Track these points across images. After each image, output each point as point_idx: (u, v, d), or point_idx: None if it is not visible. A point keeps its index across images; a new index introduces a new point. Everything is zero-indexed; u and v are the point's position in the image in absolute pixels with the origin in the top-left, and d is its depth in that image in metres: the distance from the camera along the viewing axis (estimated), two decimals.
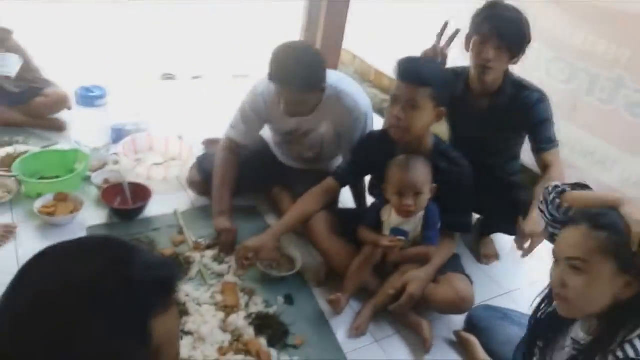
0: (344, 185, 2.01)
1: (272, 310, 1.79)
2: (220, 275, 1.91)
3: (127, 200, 2.17)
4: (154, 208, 2.20)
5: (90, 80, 2.76)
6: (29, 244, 1.92)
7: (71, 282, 0.62)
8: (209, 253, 2.00)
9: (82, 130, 2.58)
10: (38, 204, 2.03)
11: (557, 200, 1.28)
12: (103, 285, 0.61)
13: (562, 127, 2.04)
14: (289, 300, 1.86)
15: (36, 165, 2.24)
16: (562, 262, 1.13)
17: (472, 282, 1.83)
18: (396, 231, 1.80)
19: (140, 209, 2.16)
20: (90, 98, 2.46)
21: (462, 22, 1.98)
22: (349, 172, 1.98)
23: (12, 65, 2.41)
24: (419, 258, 1.80)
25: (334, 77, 2.04)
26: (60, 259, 0.66)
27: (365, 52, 3.92)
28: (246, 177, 2.20)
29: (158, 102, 3.05)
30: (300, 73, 1.83)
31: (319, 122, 2.06)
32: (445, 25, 2.02)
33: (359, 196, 2.25)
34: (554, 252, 1.17)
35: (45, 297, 0.61)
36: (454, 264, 1.88)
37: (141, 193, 2.19)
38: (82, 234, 2.00)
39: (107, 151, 2.51)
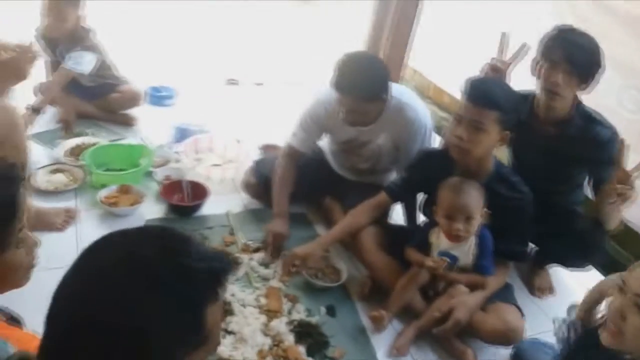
0: (396, 201, 1.99)
1: (314, 320, 1.79)
2: (265, 279, 1.94)
3: (185, 197, 2.25)
4: (209, 207, 2.27)
5: (160, 81, 2.89)
6: (90, 231, 2.02)
7: (133, 263, 0.66)
8: (257, 256, 2.03)
9: (149, 127, 2.70)
10: (102, 193, 2.15)
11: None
12: (162, 270, 0.65)
13: (631, 159, 1.93)
14: (331, 311, 1.85)
15: (104, 157, 2.36)
16: (630, 296, 1.09)
17: (522, 315, 1.75)
18: (444, 255, 1.76)
19: (197, 207, 2.23)
20: (159, 98, 2.58)
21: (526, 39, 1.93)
22: (402, 189, 1.96)
23: (86, 63, 2.57)
24: (471, 285, 1.75)
25: (397, 90, 2.05)
26: (123, 242, 0.71)
27: (425, 68, 3.88)
28: (300, 184, 2.22)
29: (221, 106, 3.15)
30: (363, 82, 1.84)
31: (378, 133, 2.06)
32: (504, 38, 1.99)
33: (410, 213, 2.22)
34: (623, 282, 1.12)
35: (107, 275, 0.65)
36: (505, 294, 1.81)
37: (199, 191, 2.27)
38: (141, 224, 2.08)
39: (170, 149, 2.61)
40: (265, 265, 2.00)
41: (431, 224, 1.84)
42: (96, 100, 2.75)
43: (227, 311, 1.74)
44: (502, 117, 1.64)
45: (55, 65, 2.63)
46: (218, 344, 0.77)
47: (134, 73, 2.90)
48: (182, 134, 2.71)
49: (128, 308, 0.63)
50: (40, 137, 2.55)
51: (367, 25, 3.00)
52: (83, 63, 2.57)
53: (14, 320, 1.25)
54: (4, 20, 3.01)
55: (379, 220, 1.99)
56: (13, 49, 1.64)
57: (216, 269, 0.71)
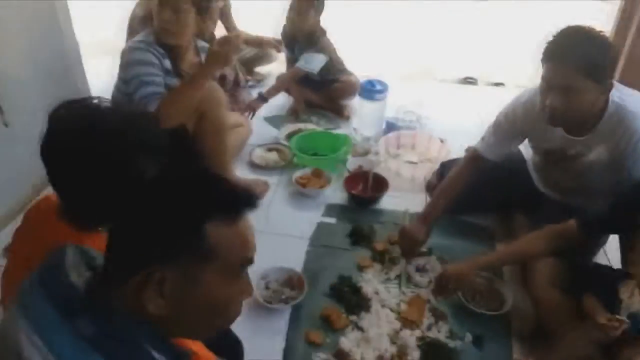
0: (586, 236, 1.57)
1: (453, 344, 1.60)
2: (417, 286, 1.82)
3: (367, 189, 2.29)
4: (390, 202, 2.26)
5: (375, 75, 2.98)
6: (279, 206, 2.27)
7: None
8: (421, 260, 1.92)
9: (361, 119, 2.82)
10: (297, 174, 2.37)
11: None
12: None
13: None
14: (478, 341, 1.62)
15: (310, 143, 2.59)
16: None
17: None
18: (636, 320, 1.32)
19: (374, 199, 2.25)
20: (372, 91, 2.68)
21: None
22: (601, 224, 1.54)
23: (316, 63, 2.84)
24: None
25: (628, 95, 1.62)
26: None
27: None
28: (488, 194, 2.00)
29: (434, 103, 3.04)
30: (582, 49, 1.49)
31: (592, 146, 1.67)
32: None
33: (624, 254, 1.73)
34: None
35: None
36: None
37: (380, 185, 2.27)
38: (322, 207, 2.24)
39: (375, 142, 2.68)
40: (423, 272, 1.88)
41: (624, 274, 1.40)
42: (321, 91, 3.02)
43: (364, 307, 1.72)
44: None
45: (292, 60, 3.00)
46: (241, 265, 0.83)
47: (354, 65, 3.08)
48: (390, 128, 2.75)
49: None
50: (271, 120, 2.96)
51: (613, 14, 2.43)
52: (314, 63, 2.84)
53: None
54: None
55: (564, 252, 1.62)
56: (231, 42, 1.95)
57: (228, 195, 0.81)
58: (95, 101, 1.12)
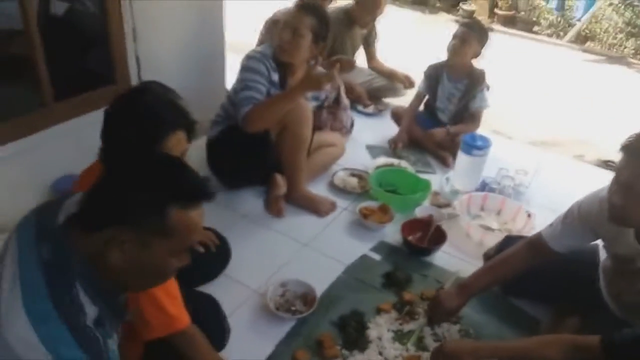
0: None
1: None
2: (425, 350, 1.73)
3: (424, 238, 2.23)
4: (444, 259, 2.18)
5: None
6: (336, 228, 2.34)
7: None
8: (441, 326, 1.83)
9: (456, 171, 2.73)
10: (364, 204, 2.41)
11: None
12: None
13: None
14: None
15: (392, 178, 2.61)
16: None
17: None
18: None
19: (427, 251, 2.18)
20: (471, 146, 2.58)
21: None
22: (630, 350, 1.31)
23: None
24: None
25: None
26: None
27: None
28: (546, 282, 1.82)
29: (547, 176, 2.80)
30: None
31: None
32: None
33: None
34: None
35: None
36: None
37: (440, 238, 2.20)
38: (374, 242, 2.25)
39: (461, 197, 2.58)
40: (439, 339, 1.78)
41: None
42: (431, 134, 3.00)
43: (360, 346, 1.71)
44: None
45: (430, 101, 3.06)
46: (189, 246, 1.01)
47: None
48: (483, 187, 2.63)
49: None
50: (372, 149, 3.04)
51: None
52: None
53: None
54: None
55: None
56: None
57: (189, 183, 0.98)
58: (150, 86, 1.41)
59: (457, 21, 7.83)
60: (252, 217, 2.36)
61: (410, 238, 2.22)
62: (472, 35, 2.77)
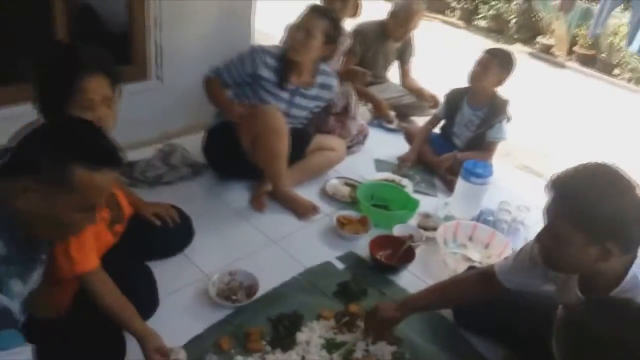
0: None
1: None
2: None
3: (393, 256, 2.17)
4: (410, 280, 2.12)
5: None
6: (310, 231, 2.34)
7: None
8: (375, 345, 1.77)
9: (455, 197, 2.63)
10: (344, 213, 2.39)
11: None
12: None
13: None
14: None
15: (381, 193, 2.57)
16: None
17: None
18: None
19: (392, 269, 2.13)
20: (470, 173, 2.48)
21: None
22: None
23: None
24: None
25: None
26: None
27: None
28: (500, 325, 1.74)
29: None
30: (583, 196, 1.22)
31: None
32: None
33: None
34: None
35: None
36: None
37: (408, 256, 2.14)
38: (343, 251, 2.22)
39: (450, 221, 2.48)
40: (367, 352, 1.72)
41: None
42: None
43: (284, 346, 1.70)
44: None
45: (447, 126, 3.00)
46: (96, 206, 1.12)
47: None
48: (479, 216, 2.51)
49: None
50: (379, 163, 3.01)
51: None
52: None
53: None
54: None
55: None
56: None
57: (95, 145, 1.07)
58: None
59: (531, 54, 7.54)
60: (235, 208, 2.42)
61: (380, 254, 2.17)
62: (494, 62, 2.67)
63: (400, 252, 2.17)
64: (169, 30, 2.65)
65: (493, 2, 8.10)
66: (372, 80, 3.54)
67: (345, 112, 2.80)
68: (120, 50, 2.60)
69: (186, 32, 2.74)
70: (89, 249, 1.43)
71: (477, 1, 8.28)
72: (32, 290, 1.26)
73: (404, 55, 3.59)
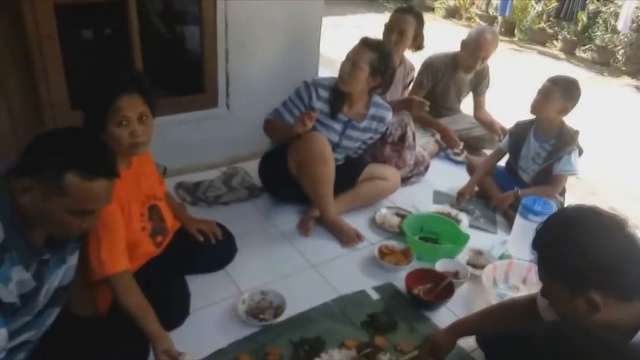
0: None
1: None
2: None
3: (432, 292, 2.09)
4: (448, 317, 2.00)
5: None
6: (352, 259, 2.33)
7: None
8: None
9: (513, 234, 2.47)
10: (387, 242, 2.35)
11: None
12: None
13: None
14: None
15: (435, 226, 2.49)
16: None
17: None
18: None
19: (428, 305, 2.04)
20: (528, 210, 2.31)
21: None
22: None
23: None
24: None
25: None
26: None
27: None
28: None
29: None
30: (557, 249, 1.20)
31: None
32: None
33: None
34: None
35: None
36: None
37: (447, 293, 2.05)
38: (381, 282, 2.19)
39: (504, 259, 2.33)
40: None
41: None
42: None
43: None
44: None
45: (512, 161, 2.84)
46: (86, 212, 1.24)
47: None
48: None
49: None
50: (438, 194, 2.93)
51: None
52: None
53: None
54: None
55: None
56: None
57: (85, 154, 1.20)
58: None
59: (637, 87, 6.89)
60: (282, 230, 2.50)
61: (418, 288, 2.10)
62: (555, 90, 2.51)
63: (439, 288, 2.09)
64: (238, 61, 2.85)
65: (599, 33, 7.55)
66: (444, 112, 3.49)
67: (401, 142, 2.78)
68: (194, 80, 2.84)
69: (254, 64, 2.92)
70: (119, 253, 1.58)
71: (581, 32, 7.78)
72: (65, 285, 1.41)
73: (478, 87, 3.49)
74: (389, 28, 2.93)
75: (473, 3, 9.39)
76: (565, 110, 2.55)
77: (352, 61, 2.37)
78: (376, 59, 2.36)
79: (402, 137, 2.78)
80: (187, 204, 2.61)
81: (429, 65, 3.32)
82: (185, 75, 2.94)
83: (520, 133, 2.76)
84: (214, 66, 2.79)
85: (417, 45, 2.97)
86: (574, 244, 1.14)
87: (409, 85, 3.21)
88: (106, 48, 2.59)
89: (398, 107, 2.79)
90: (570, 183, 2.81)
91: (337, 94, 2.44)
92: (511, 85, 5.31)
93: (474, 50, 3.16)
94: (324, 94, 2.44)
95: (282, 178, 2.50)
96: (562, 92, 2.50)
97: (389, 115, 2.59)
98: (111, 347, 1.51)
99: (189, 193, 2.69)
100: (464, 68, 3.31)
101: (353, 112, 2.50)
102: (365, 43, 2.40)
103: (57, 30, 2.24)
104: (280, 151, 2.48)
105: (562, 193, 2.76)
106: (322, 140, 2.33)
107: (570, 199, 2.86)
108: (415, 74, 3.27)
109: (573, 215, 1.21)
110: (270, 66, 2.99)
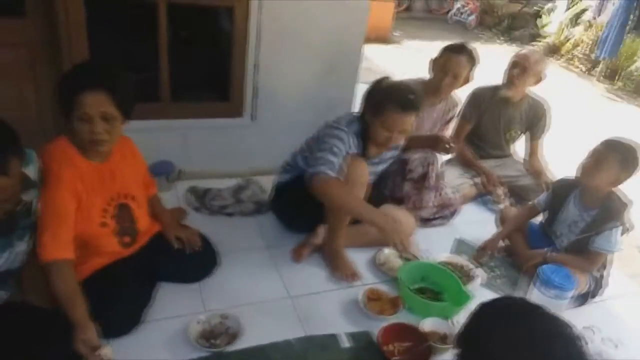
0: None
1: None
2: None
3: (408, 352, 1.84)
4: None
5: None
6: (337, 299, 2.13)
7: None
8: None
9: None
10: (375, 287, 2.16)
11: None
12: None
13: None
14: None
15: (440, 279, 2.23)
16: None
17: None
18: None
19: None
20: (545, 283, 1.96)
21: None
22: None
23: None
24: None
25: None
26: None
27: None
28: None
29: None
30: None
31: None
32: None
33: None
34: None
35: None
36: None
37: (423, 356, 1.80)
38: (359, 329, 1.97)
39: None
40: None
41: None
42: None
43: None
44: None
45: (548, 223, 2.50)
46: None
47: None
48: None
49: None
50: (460, 243, 2.65)
51: None
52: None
53: None
54: None
55: None
56: None
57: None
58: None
59: None
60: (272, 252, 2.36)
61: (394, 345, 1.86)
62: (611, 157, 2.13)
63: (417, 350, 1.84)
64: (267, 76, 2.79)
65: None
66: (492, 152, 3.19)
67: (422, 180, 2.55)
68: (220, 88, 2.83)
69: (285, 81, 2.85)
70: (64, 241, 1.56)
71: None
72: (12, 269, 1.42)
73: (534, 128, 3.14)
74: (442, 70, 2.63)
75: (577, 45, 8.70)
76: (617, 182, 2.17)
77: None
78: None
79: (424, 176, 2.54)
80: (191, 209, 2.58)
81: (473, 95, 3.07)
82: (211, 82, 2.94)
83: (561, 194, 2.40)
84: (241, 77, 2.75)
85: (466, 82, 2.72)
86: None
87: (449, 121, 2.95)
88: (133, 47, 2.64)
89: (424, 143, 2.56)
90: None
91: (364, 138, 2.21)
92: (588, 135, 4.78)
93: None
94: (355, 140, 2.19)
95: (297, 211, 2.37)
96: (618, 161, 2.12)
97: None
98: (51, 339, 1.46)
99: (197, 198, 2.66)
100: (512, 99, 2.99)
101: (374, 154, 2.28)
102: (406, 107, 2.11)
103: (86, 21, 2.32)
104: (295, 183, 2.26)
105: (604, 265, 2.36)
106: (364, 166, 2.15)
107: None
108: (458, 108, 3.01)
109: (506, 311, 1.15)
110: (302, 86, 2.90)
